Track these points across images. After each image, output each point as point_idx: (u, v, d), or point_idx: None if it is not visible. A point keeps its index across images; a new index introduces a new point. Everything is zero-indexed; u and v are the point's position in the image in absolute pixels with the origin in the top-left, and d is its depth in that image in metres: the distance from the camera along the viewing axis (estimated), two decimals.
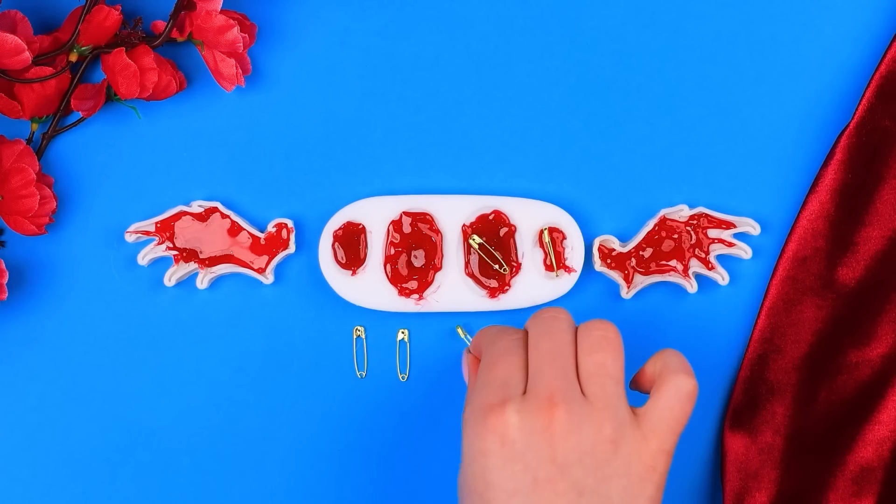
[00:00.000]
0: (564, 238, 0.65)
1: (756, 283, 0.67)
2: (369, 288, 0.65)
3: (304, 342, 0.66)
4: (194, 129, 0.67)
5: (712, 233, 0.66)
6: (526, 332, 0.57)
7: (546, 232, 0.65)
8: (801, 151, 0.67)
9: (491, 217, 0.66)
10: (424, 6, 0.67)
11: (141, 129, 0.67)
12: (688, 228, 0.66)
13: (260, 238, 0.66)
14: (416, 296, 0.65)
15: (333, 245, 0.65)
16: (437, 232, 0.66)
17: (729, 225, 0.66)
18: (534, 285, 0.65)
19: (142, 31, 0.65)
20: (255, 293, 0.67)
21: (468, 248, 0.66)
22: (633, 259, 0.66)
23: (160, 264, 0.66)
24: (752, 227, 0.66)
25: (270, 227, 0.66)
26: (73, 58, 0.64)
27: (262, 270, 0.65)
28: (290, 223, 0.65)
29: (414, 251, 0.65)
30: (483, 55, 0.67)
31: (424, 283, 0.65)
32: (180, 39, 0.65)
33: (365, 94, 0.67)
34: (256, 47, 0.67)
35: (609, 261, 0.66)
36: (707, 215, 0.66)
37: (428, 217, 0.66)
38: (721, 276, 0.66)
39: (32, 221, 0.63)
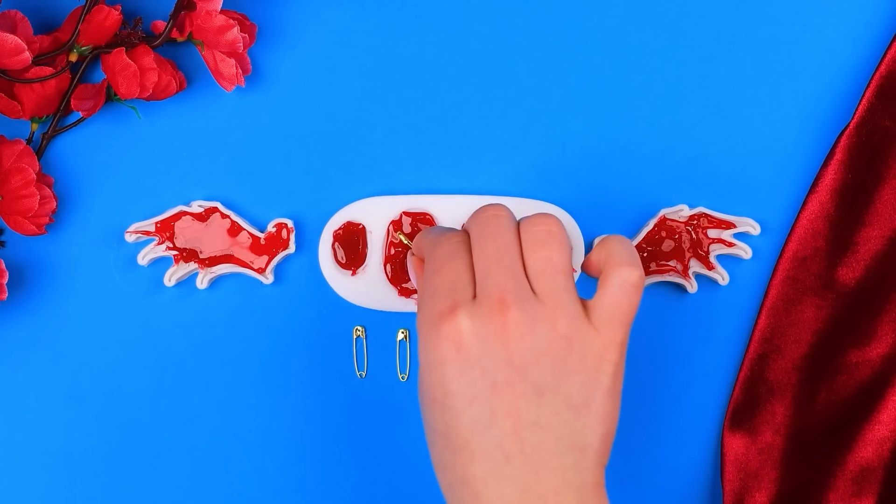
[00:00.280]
0: None
1: (756, 283, 0.67)
2: (369, 288, 0.65)
3: (304, 342, 0.66)
4: (194, 129, 0.67)
5: (712, 233, 0.66)
6: (467, 233, 0.56)
7: None
8: (801, 151, 0.67)
9: None
10: (424, 6, 0.67)
11: (141, 129, 0.67)
12: (688, 228, 0.66)
13: (260, 238, 0.66)
14: (416, 296, 0.65)
15: (333, 245, 0.65)
16: None
17: (729, 225, 0.66)
18: None
19: (142, 31, 0.65)
20: (255, 293, 0.67)
21: None
22: None
23: (160, 264, 0.66)
24: (752, 227, 0.66)
25: (270, 227, 0.66)
26: (73, 58, 0.64)
27: (262, 270, 0.65)
28: (290, 223, 0.65)
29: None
30: (483, 55, 0.67)
31: None
32: (180, 39, 0.65)
33: (365, 94, 0.67)
34: (256, 47, 0.67)
35: None
36: (707, 215, 0.66)
37: (428, 217, 0.66)
38: (721, 276, 0.66)
39: (32, 221, 0.63)
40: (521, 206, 0.65)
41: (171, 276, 0.65)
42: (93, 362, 0.66)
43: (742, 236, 0.67)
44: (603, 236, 0.56)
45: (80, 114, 0.65)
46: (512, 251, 0.54)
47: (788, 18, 0.67)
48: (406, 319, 0.67)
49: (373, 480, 0.66)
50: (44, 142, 0.66)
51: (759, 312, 0.66)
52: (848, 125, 0.66)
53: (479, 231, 0.55)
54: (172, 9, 0.63)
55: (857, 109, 0.66)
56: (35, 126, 0.65)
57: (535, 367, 0.53)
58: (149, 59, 0.63)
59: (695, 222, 0.66)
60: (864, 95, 0.66)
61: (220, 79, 0.65)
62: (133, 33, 0.64)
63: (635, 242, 0.66)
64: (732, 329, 0.67)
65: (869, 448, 0.65)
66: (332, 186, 0.67)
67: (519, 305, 0.53)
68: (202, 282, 0.65)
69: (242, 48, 0.63)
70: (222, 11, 0.63)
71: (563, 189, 0.67)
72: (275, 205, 0.67)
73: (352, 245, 0.65)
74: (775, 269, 0.66)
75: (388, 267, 0.65)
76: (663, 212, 0.66)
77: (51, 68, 0.63)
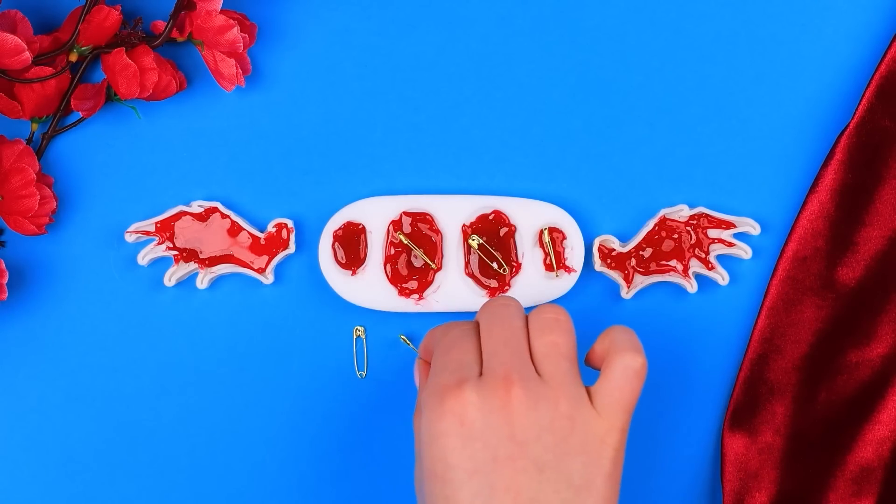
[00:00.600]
0: (564, 238, 0.65)
1: (756, 283, 0.67)
2: (369, 288, 0.65)
3: (304, 342, 0.66)
4: (194, 129, 0.67)
5: (712, 233, 0.66)
6: (477, 323, 0.57)
7: (546, 232, 0.65)
8: (801, 151, 0.67)
9: (491, 217, 0.66)
10: (424, 6, 0.67)
11: (141, 129, 0.67)
12: (688, 228, 0.66)
13: (260, 238, 0.66)
14: (416, 296, 0.65)
15: (333, 245, 0.65)
16: (437, 232, 0.66)
17: (729, 225, 0.66)
18: (534, 285, 0.65)
19: (142, 31, 0.65)
20: (255, 293, 0.67)
21: (468, 248, 0.66)
22: (633, 259, 0.66)
23: (160, 264, 0.66)
24: (752, 227, 0.66)
25: (270, 227, 0.66)
26: (73, 58, 0.64)
27: (262, 270, 0.65)
28: (290, 223, 0.65)
29: (413, 251, 0.66)
30: (483, 55, 0.67)
31: (424, 283, 0.65)
32: (180, 39, 0.65)
33: (365, 94, 0.67)
34: (256, 47, 0.67)
35: (609, 261, 0.66)
36: (707, 215, 0.66)
37: (428, 217, 0.66)
38: (721, 276, 0.66)
39: (32, 221, 0.63)
40: (522, 206, 0.65)
41: (171, 276, 0.65)
42: (93, 362, 0.66)
43: (742, 236, 0.67)
44: (608, 328, 0.56)
45: (80, 114, 0.65)
46: (519, 336, 0.55)
47: (788, 18, 0.67)
48: (406, 319, 0.67)
49: (373, 480, 0.66)
50: (44, 142, 0.66)
51: (759, 312, 0.66)
52: (848, 125, 0.66)
53: (489, 318, 0.56)
54: (172, 9, 0.63)
55: (857, 109, 0.66)
56: (35, 126, 0.65)
57: (537, 443, 0.53)
58: (149, 59, 0.63)
59: (695, 222, 0.66)
60: (864, 95, 0.66)
61: (220, 79, 0.65)
62: (133, 33, 0.64)
63: (635, 242, 0.66)
64: (732, 329, 0.67)
65: (869, 448, 0.65)
66: (332, 186, 0.67)
67: (523, 384, 0.53)
68: (202, 282, 0.65)
69: (242, 48, 0.63)
70: (222, 11, 0.63)
71: (563, 189, 0.67)
72: (275, 205, 0.67)
73: (352, 245, 0.65)
74: (775, 269, 0.66)
75: (388, 267, 0.65)
76: (663, 212, 0.66)
77: (51, 68, 0.63)
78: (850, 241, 0.66)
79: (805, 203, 0.66)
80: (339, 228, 0.65)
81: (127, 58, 0.63)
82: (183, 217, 0.66)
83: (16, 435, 0.66)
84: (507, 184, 0.67)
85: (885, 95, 0.65)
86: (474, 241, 0.65)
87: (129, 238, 0.65)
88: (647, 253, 0.66)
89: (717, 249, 0.66)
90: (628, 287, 0.66)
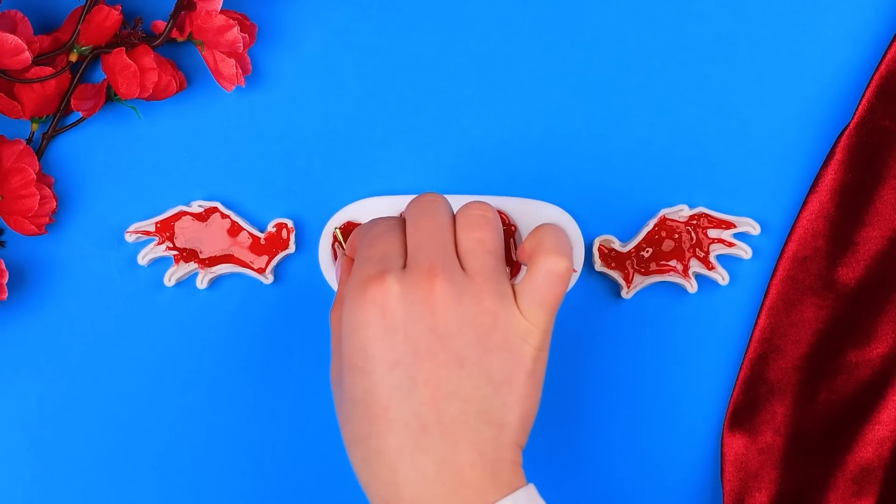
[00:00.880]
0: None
1: (756, 283, 0.67)
2: None
3: (304, 342, 0.66)
4: (194, 129, 0.67)
5: (712, 233, 0.66)
6: (404, 218, 0.57)
7: None
8: (801, 151, 0.67)
9: None
10: (424, 6, 0.67)
11: (141, 129, 0.67)
12: (688, 228, 0.66)
13: (260, 238, 0.66)
14: None
15: (333, 245, 0.65)
16: None
17: (729, 225, 0.66)
18: None
19: (142, 31, 0.65)
20: (255, 293, 0.67)
21: None
22: (633, 259, 0.66)
23: (160, 264, 0.66)
24: (752, 227, 0.66)
25: (270, 227, 0.66)
26: (73, 58, 0.64)
27: (262, 270, 0.65)
28: (290, 223, 0.66)
29: None
30: (483, 55, 0.67)
31: None
32: (180, 39, 0.65)
33: (365, 94, 0.67)
34: (256, 47, 0.67)
35: (609, 261, 0.66)
36: (707, 215, 0.66)
37: None
38: (721, 276, 0.66)
39: (32, 221, 0.63)
40: (522, 207, 0.65)
41: (171, 276, 0.65)
42: (93, 362, 0.66)
43: (742, 236, 0.67)
44: (539, 225, 0.56)
45: (80, 114, 0.65)
46: (445, 230, 0.55)
47: (788, 18, 0.67)
48: None
49: None
50: (44, 142, 0.66)
51: (759, 312, 0.66)
52: (848, 125, 0.66)
53: (416, 213, 0.56)
54: (172, 9, 0.63)
55: (857, 109, 0.66)
56: (35, 126, 0.65)
57: (459, 337, 0.53)
58: (149, 59, 0.63)
59: (695, 222, 0.66)
60: (864, 95, 0.66)
61: (220, 79, 0.65)
62: (133, 33, 0.64)
63: (635, 242, 0.66)
64: (732, 329, 0.67)
65: (869, 448, 0.65)
66: (332, 186, 0.67)
67: (447, 277, 0.53)
68: (202, 282, 0.65)
69: (242, 48, 0.63)
70: (222, 11, 0.63)
71: (563, 189, 0.67)
72: (275, 205, 0.67)
73: None
74: (775, 269, 0.66)
75: None
76: (663, 212, 0.66)
77: (51, 68, 0.63)
78: (850, 241, 0.66)
79: (805, 203, 0.66)
80: (340, 228, 0.65)
81: (127, 58, 0.63)
82: (183, 217, 0.66)
83: (16, 435, 0.66)
84: (507, 184, 0.67)
85: (885, 95, 0.65)
86: None
87: (129, 238, 0.65)
88: (647, 253, 0.66)
89: (717, 249, 0.66)
90: (628, 287, 0.66)
